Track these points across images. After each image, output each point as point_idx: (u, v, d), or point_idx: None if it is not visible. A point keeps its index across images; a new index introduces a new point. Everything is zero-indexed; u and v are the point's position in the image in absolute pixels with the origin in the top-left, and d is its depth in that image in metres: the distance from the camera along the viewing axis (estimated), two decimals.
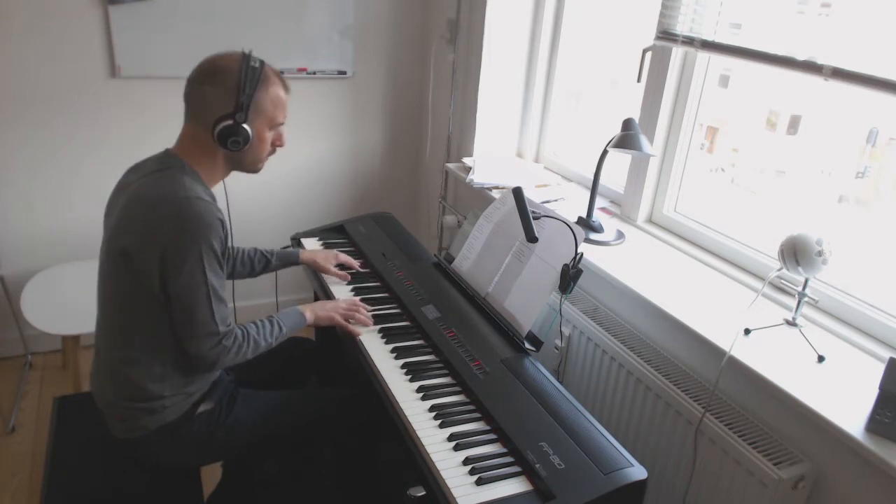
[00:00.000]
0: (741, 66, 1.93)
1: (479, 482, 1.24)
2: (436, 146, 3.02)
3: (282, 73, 1.50)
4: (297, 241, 2.19)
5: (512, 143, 2.77)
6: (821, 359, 1.48)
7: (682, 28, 1.86)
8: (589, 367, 1.90)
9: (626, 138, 1.88)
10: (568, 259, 1.60)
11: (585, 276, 1.72)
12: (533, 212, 1.69)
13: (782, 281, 1.73)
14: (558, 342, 1.96)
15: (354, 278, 1.96)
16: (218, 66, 1.41)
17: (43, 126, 2.48)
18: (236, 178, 1.58)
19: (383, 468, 1.85)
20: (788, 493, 1.40)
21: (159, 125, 2.58)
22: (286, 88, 1.51)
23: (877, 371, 1.36)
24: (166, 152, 1.47)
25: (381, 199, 3.18)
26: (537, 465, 1.26)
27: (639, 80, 2.06)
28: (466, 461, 1.29)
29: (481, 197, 2.40)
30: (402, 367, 1.57)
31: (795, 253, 1.51)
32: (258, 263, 1.90)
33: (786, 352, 1.51)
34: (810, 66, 1.53)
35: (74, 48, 2.42)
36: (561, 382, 1.59)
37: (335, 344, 1.82)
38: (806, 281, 1.56)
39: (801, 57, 1.56)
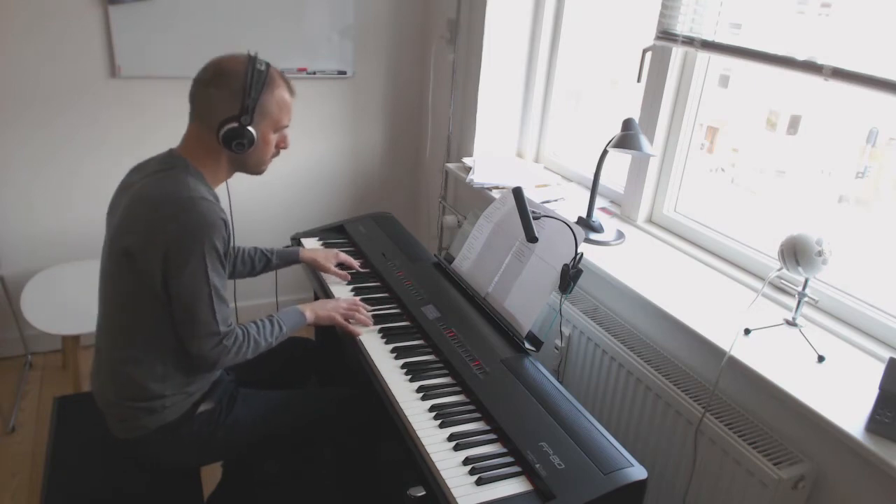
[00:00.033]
0: (741, 66, 1.93)
1: (479, 482, 1.24)
2: (436, 146, 3.02)
3: (282, 73, 1.50)
4: (297, 241, 2.19)
5: (512, 143, 2.77)
6: (821, 359, 1.48)
7: (682, 28, 1.86)
8: (589, 367, 1.90)
9: (626, 138, 1.88)
10: (568, 259, 1.60)
11: (585, 276, 1.72)
12: (533, 212, 1.69)
13: (782, 281, 1.73)
14: (558, 342, 1.96)
15: (354, 278, 1.96)
16: (224, 69, 1.41)
17: (43, 126, 2.48)
18: (237, 178, 1.58)
19: (383, 468, 1.85)
20: (788, 493, 1.40)
21: (159, 125, 2.58)
22: (291, 91, 1.51)
23: (877, 371, 1.36)
24: (170, 152, 1.47)
25: (381, 199, 3.18)
26: (537, 465, 1.26)
27: (639, 80, 2.06)
28: (466, 461, 1.29)
29: (481, 197, 2.40)
30: (402, 367, 1.57)
31: (795, 253, 1.51)
32: (258, 262, 1.91)
33: (786, 352, 1.51)
34: (810, 66, 1.53)
35: (74, 48, 2.42)
36: (561, 382, 1.59)
37: (335, 344, 1.82)
38: (806, 281, 1.56)
39: (801, 57, 1.55)
